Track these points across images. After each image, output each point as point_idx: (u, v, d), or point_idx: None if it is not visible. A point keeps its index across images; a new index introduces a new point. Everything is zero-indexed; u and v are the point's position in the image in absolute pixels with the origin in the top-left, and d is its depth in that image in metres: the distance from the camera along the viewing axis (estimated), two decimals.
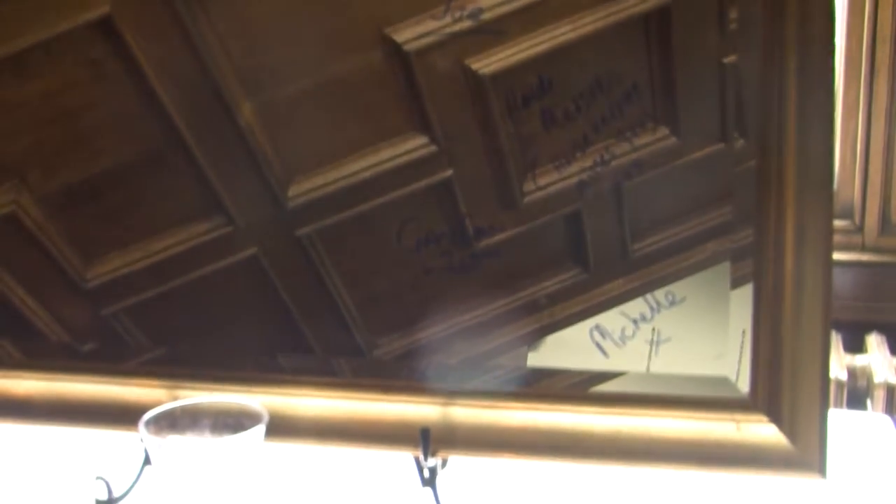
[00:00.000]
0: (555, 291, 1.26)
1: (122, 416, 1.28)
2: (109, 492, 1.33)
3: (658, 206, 1.22)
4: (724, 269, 1.21)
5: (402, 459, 1.26)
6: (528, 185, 1.24)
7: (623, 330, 1.23)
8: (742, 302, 1.19)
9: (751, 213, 1.17)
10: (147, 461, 1.29)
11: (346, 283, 1.31)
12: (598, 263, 1.25)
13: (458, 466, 1.28)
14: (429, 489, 1.25)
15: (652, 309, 1.22)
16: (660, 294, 1.22)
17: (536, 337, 1.28)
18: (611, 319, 1.24)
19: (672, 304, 1.22)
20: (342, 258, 1.30)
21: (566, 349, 1.26)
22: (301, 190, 1.29)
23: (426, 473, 1.24)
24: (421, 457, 1.24)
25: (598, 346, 1.24)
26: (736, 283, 1.20)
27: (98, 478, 1.31)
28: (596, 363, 1.24)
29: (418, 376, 1.29)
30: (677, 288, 1.22)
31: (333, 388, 1.30)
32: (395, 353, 1.31)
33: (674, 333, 1.22)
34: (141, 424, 1.15)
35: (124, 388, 1.35)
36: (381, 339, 1.31)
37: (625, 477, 1.27)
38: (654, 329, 1.22)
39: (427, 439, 1.24)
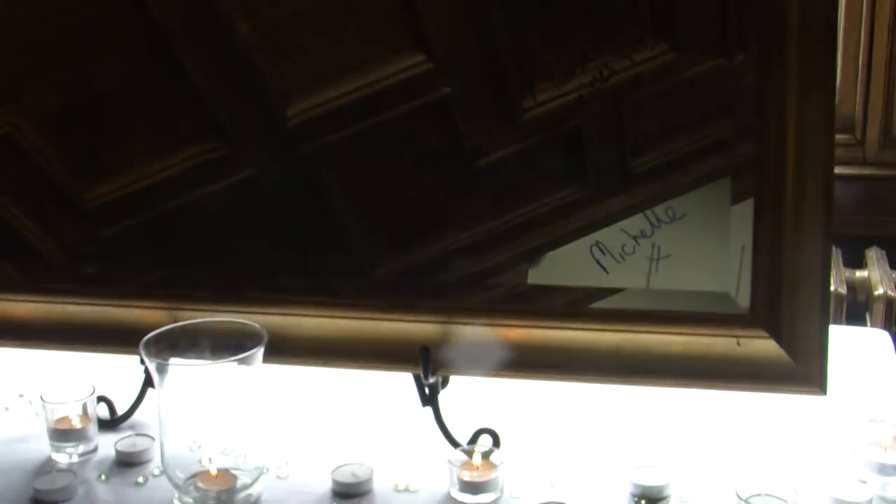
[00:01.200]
0: (554, 208, 1.25)
1: (123, 338, 1.29)
2: (112, 412, 1.34)
3: (658, 122, 1.21)
4: (725, 184, 1.20)
5: (403, 379, 1.27)
6: (527, 102, 1.23)
7: (623, 246, 1.23)
8: (742, 217, 1.18)
9: (751, 128, 1.16)
10: (148, 382, 1.30)
11: (346, 202, 1.31)
12: (598, 180, 1.24)
13: (459, 385, 1.28)
14: (429, 408, 1.25)
15: (652, 225, 1.22)
16: (660, 210, 1.22)
17: (536, 254, 1.27)
18: (611, 236, 1.23)
19: (672, 219, 1.22)
20: (341, 177, 1.30)
21: (566, 266, 1.26)
22: (300, 109, 1.28)
23: (426, 392, 1.25)
24: (421, 375, 1.24)
25: (598, 262, 1.24)
26: (736, 199, 1.19)
27: (100, 398, 1.32)
28: (596, 280, 1.24)
29: (418, 295, 1.29)
30: (677, 204, 1.21)
31: (333, 308, 1.30)
32: (395, 273, 1.31)
33: (674, 249, 1.21)
34: (141, 346, 1.15)
35: (125, 310, 1.35)
36: (381, 259, 1.31)
37: (625, 394, 1.28)
38: (654, 245, 1.22)
39: (427, 358, 1.24)
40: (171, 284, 1.36)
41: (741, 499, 1.09)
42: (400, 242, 1.30)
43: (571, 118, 1.22)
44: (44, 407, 1.27)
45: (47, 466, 1.25)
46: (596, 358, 1.23)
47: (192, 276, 1.36)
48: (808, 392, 1.17)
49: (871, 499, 1.13)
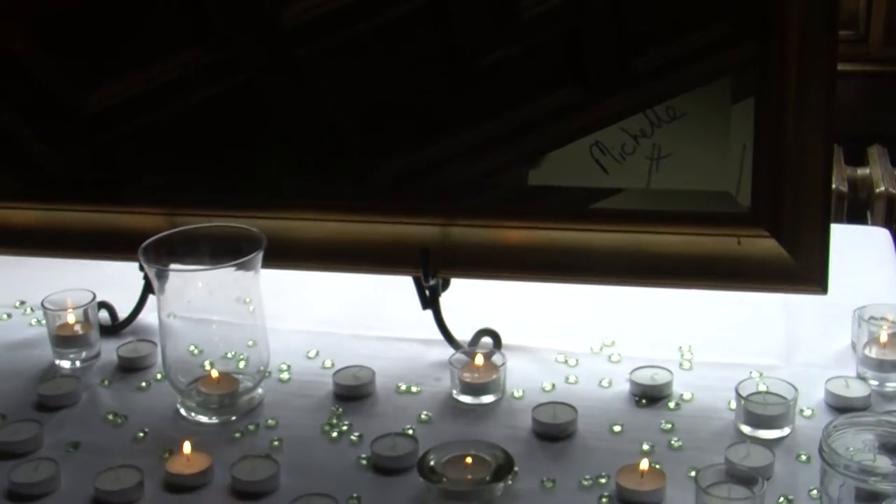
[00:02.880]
0: (554, 109, 1.24)
1: (122, 244, 1.28)
2: (113, 319, 1.34)
3: (658, 21, 1.20)
4: (725, 83, 1.19)
5: (403, 282, 1.27)
6: (526, 2, 1.21)
7: (623, 146, 1.22)
8: (743, 116, 1.17)
9: (753, 25, 1.14)
10: (148, 288, 1.30)
11: (344, 105, 1.29)
12: (598, 80, 1.23)
13: (460, 287, 1.28)
14: (429, 310, 1.25)
15: (652, 124, 1.21)
16: (660, 109, 1.20)
17: (536, 155, 1.27)
18: (610, 136, 1.22)
19: (672, 119, 1.20)
20: (338, 81, 1.28)
21: (566, 167, 1.25)
22: (296, 11, 1.26)
23: (427, 294, 1.25)
24: (421, 278, 1.24)
25: (598, 162, 1.23)
26: (737, 97, 1.18)
27: (101, 305, 1.32)
28: (596, 180, 1.23)
29: (418, 197, 1.28)
30: (678, 103, 1.20)
31: (333, 212, 1.29)
32: (394, 175, 1.30)
33: (674, 149, 1.21)
34: (140, 252, 1.15)
35: (123, 216, 1.35)
36: (380, 161, 1.30)
37: (625, 294, 1.28)
38: (654, 145, 1.21)
39: (427, 260, 1.24)
40: (168, 190, 1.35)
41: (741, 397, 1.09)
42: (399, 145, 1.29)
43: (571, 17, 1.21)
44: (45, 314, 1.28)
45: (51, 372, 1.26)
46: (596, 258, 1.22)
47: (189, 181, 1.36)
48: (809, 291, 1.17)
49: (870, 394, 1.14)
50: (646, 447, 1.08)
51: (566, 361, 1.24)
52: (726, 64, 1.18)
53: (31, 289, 1.42)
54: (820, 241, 1.15)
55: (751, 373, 1.18)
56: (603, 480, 1.03)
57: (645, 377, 1.18)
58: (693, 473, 1.01)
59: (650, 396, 1.16)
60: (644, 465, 1.02)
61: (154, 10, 1.31)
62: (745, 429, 1.10)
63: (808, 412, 1.13)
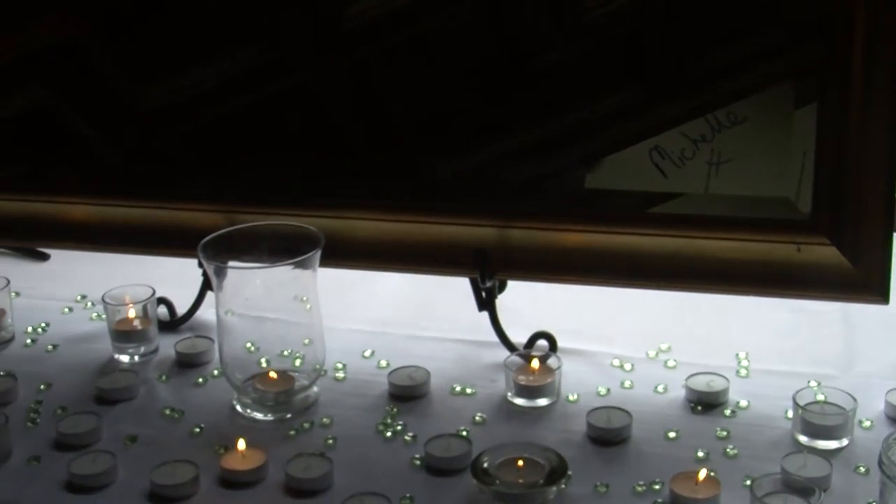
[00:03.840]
0: (612, 112, 1.24)
1: (182, 240, 1.29)
2: (172, 314, 1.36)
3: (720, 24, 1.19)
4: (787, 88, 1.17)
5: (460, 283, 1.27)
6: (588, 2, 1.21)
7: (682, 150, 1.21)
8: (805, 122, 1.16)
9: (817, 28, 1.13)
10: (207, 285, 1.31)
11: (400, 105, 1.30)
12: (658, 83, 1.22)
13: (516, 289, 1.28)
14: (485, 312, 1.25)
15: (713, 129, 1.20)
16: (721, 114, 1.19)
17: (594, 158, 1.26)
18: (670, 140, 1.21)
19: (733, 123, 1.19)
20: (396, 81, 1.29)
21: (624, 170, 1.24)
22: (355, 10, 1.27)
23: (483, 296, 1.25)
24: (478, 279, 1.24)
25: (657, 166, 1.22)
26: (799, 103, 1.17)
27: (160, 300, 1.34)
28: (654, 184, 1.22)
29: (475, 198, 1.28)
30: (739, 107, 1.19)
31: (390, 212, 1.29)
32: (451, 175, 1.30)
33: (734, 154, 1.20)
34: (200, 249, 1.16)
35: (182, 213, 1.36)
36: (438, 161, 1.30)
37: (683, 299, 1.27)
38: (714, 150, 1.20)
39: (484, 262, 1.24)
40: (227, 187, 1.36)
41: (799, 406, 1.08)
42: (457, 145, 1.29)
43: (631, 19, 1.20)
44: (105, 309, 1.29)
45: (110, 366, 1.28)
46: (654, 263, 1.22)
47: (247, 179, 1.37)
48: (870, 300, 1.16)
49: None
50: (701, 454, 1.07)
51: (621, 366, 1.23)
52: (788, 68, 1.17)
53: (91, 283, 1.44)
54: (882, 249, 1.14)
55: (809, 382, 1.17)
56: (657, 487, 1.02)
57: (701, 384, 1.17)
58: (749, 482, 1.00)
59: (706, 403, 1.15)
60: (699, 472, 1.01)
61: (214, 7, 1.32)
62: (803, 439, 1.08)
63: (867, 423, 1.11)
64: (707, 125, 1.20)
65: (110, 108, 1.40)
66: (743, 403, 1.15)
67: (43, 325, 1.37)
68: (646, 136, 1.23)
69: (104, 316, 1.32)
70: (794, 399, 1.09)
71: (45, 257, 1.55)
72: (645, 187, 1.23)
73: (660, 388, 1.18)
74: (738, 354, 1.24)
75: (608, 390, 1.19)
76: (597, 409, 1.13)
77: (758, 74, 1.18)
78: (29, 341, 1.34)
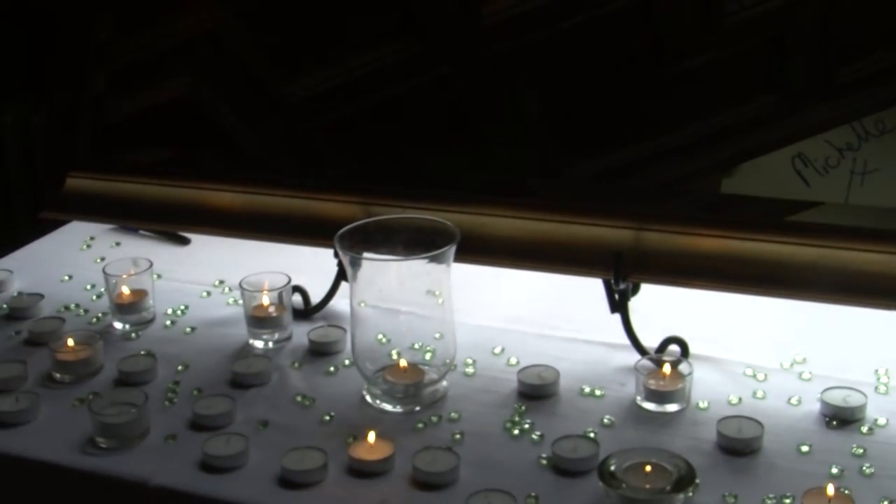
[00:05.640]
0: (754, 117, 1.22)
1: (319, 230, 1.31)
2: (306, 303, 1.38)
3: (867, 29, 1.16)
4: None
5: (593, 284, 1.26)
6: (733, 6, 1.19)
7: (827, 159, 1.19)
8: None
9: None
10: (341, 275, 1.33)
11: (538, 103, 1.30)
12: (802, 89, 1.20)
13: (649, 293, 1.27)
14: (618, 314, 1.24)
15: (859, 137, 1.17)
16: (869, 122, 1.17)
17: (733, 163, 1.24)
18: (814, 147, 1.19)
19: (882, 132, 1.16)
20: (535, 78, 1.29)
21: (764, 176, 1.22)
22: (498, 7, 1.27)
23: (616, 298, 1.24)
24: (611, 281, 1.23)
25: (800, 174, 1.20)
26: None
27: (295, 289, 1.36)
28: (794, 192, 1.20)
29: (611, 200, 1.27)
30: (888, 116, 1.16)
31: (525, 210, 1.29)
32: (587, 176, 1.30)
33: (882, 164, 1.17)
34: (336, 239, 1.18)
35: (320, 203, 1.38)
36: (574, 161, 1.30)
37: (817, 311, 1.24)
38: (859, 159, 1.17)
39: (619, 263, 1.23)
40: (364, 179, 1.38)
41: None
42: (595, 144, 1.29)
43: (776, 24, 1.18)
44: (242, 294, 1.32)
45: (244, 351, 1.30)
46: (791, 272, 1.19)
47: (385, 172, 1.38)
48: None
49: None
50: (834, 471, 1.04)
51: (754, 375, 1.21)
52: None
53: (229, 269, 1.47)
54: None
55: None
56: (788, 501, 1.00)
57: (837, 398, 1.14)
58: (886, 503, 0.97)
59: (841, 418, 1.13)
60: (832, 489, 0.99)
61: (358, 2, 1.34)
62: None
63: None
64: (854, 133, 1.17)
65: (255, 98, 1.43)
66: (881, 421, 1.12)
67: (182, 307, 1.41)
68: (787, 142, 1.20)
69: (241, 301, 1.34)
70: None
71: (186, 241, 1.59)
72: (784, 195, 1.21)
73: (793, 401, 1.16)
74: (877, 370, 1.20)
75: (739, 399, 1.17)
76: (727, 417, 1.11)
77: None
78: (168, 323, 1.37)
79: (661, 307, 1.30)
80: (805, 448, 1.08)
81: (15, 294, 1.45)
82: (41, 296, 1.43)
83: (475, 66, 1.31)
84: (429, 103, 1.35)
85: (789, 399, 1.16)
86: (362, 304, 1.19)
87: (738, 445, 1.08)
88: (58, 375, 1.25)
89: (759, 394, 1.18)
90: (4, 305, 1.42)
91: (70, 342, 1.27)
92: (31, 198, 2.25)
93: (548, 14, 1.26)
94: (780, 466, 1.06)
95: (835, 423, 1.12)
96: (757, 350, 1.25)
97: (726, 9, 1.20)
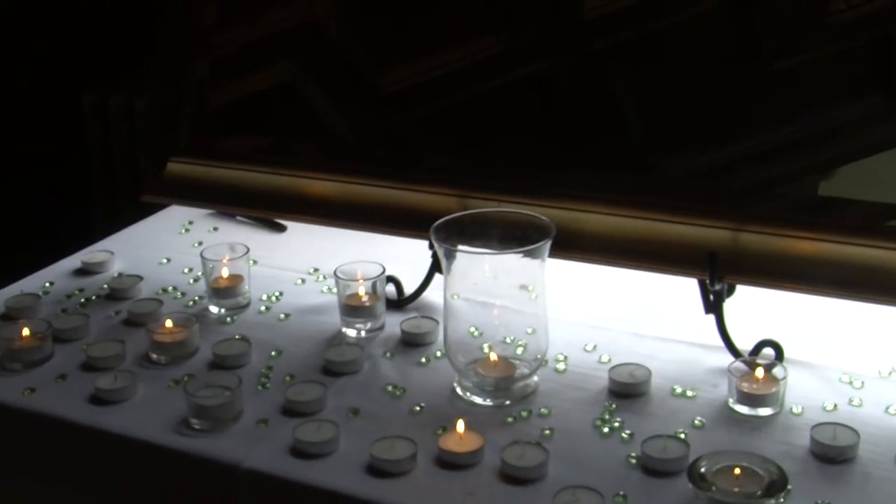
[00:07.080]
0: (855, 119, 1.20)
1: (414, 221, 1.32)
2: (399, 293, 1.39)
3: None
4: None
5: (688, 284, 1.25)
6: (837, 5, 1.17)
7: None
8: None
9: None
10: (436, 267, 1.33)
11: (635, 100, 1.29)
12: None
13: (745, 294, 1.25)
14: (712, 315, 1.23)
15: None
16: None
17: (832, 165, 1.22)
18: None
19: None
20: (631, 76, 1.28)
21: (864, 179, 1.20)
22: (595, 3, 1.26)
23: (711, 298, 1.23)
24: (707, 281, 1.22)
25: None
26: None
27: (389, 279, 1.37)
28: (895, 196, 1.18)
29: (708, 199, 1.26)
30: None
31: (621, 206, 1.29)
32: (683, 174, 1.29)
33: None
34: (432, 231, 1.18)
35: (417, 194, 1.39)
36: (669, 159, 1.29)
37: None
38: None
39: (715, 264, 1.21)
40: (460, 172, 1.38)
41: None
42: (692, 142, 1.28)
43: (881, 24, 1.16)
44: (337, 283, 1.33)
45: (337, 339, 1.32)
46: (890, 278, 1.17)
47: (480, 165, 1.38)
48: None
49: None
50: None
51: (851, 382, 1.19)
52: None
53: (323, 257, 1.49)
54: None
55: None
56: None
57: None
58: None
59: None
60: None
61: None
62: None
63: None
64: None
65: (354, 87, 1.44)
66: None
67: (277, 293, 1.42)
68: (889, 145, 1.18)
69: (335, 290, 1.36)
70: None
71: (282, 229, 1.61)
72: (885, 199, 1.19)
73: (891, 410, 1.14)
74: None
75: (835, 406, 1.15)
76: (822, 424, 1.09)
77: None
78: (263, 308, 1.39)
79: (756, 309, 1.28)
80: None
81: (115, 275, 1.48)
82: (140, 277, 1.46)
83: (573, 61, 1.30)
84: (526, 97, 1.35)
85: (887, 408, 1.14)
86: (455, 297, 1.19)
87: (833, 453, 1.06)
88: (154, 356, 1.28)
89: (856, 401, 1.16)
90: (105, 286, 1.45)
91: (167, 324, 1.29)
92: (133, 181, 2.30)
93: (646, 11, 1.25)
94: (876, 476, 1.04)
95: None
96: (854, 357, 1.23)
97: (831, 7, 1.18)
